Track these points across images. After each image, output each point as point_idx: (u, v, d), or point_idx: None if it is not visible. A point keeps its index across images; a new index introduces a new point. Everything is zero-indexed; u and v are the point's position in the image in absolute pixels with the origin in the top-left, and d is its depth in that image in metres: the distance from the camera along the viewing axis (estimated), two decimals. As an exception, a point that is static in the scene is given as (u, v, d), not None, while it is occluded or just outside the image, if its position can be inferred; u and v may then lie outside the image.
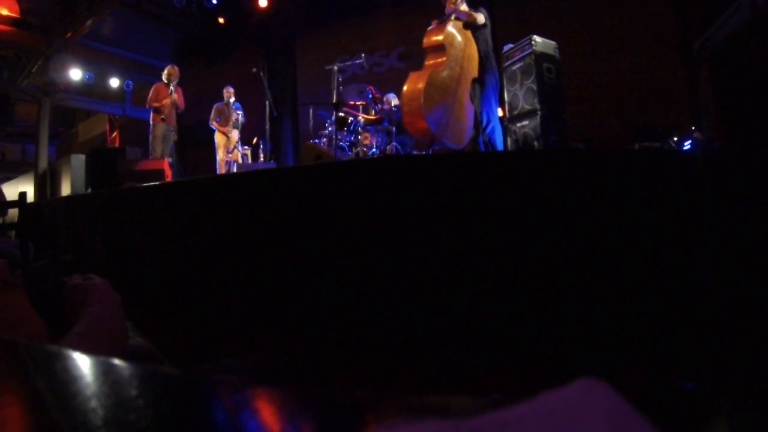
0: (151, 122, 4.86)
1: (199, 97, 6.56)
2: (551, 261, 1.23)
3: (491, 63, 3.36)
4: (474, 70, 3.37)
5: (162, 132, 4.82)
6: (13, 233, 2.74)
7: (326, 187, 1.58)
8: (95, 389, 0.21)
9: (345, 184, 1.55)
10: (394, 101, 4.27)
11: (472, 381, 1.21)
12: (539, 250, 1.25)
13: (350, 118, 4.12)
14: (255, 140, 5.59)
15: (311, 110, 4.77)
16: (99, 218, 2.53)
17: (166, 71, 4.89)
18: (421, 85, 3.13)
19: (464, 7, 3.31)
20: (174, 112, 4.88)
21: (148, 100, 4.86)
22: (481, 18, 3.28)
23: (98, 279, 0.66)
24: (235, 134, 5.25)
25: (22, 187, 3.90)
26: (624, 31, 4.63)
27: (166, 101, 4.76)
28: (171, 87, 4.78)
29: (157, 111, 4.80)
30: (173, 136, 4.95)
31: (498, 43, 3.79)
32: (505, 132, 3.49)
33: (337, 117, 4.01)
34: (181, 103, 4.91)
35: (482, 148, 3.26)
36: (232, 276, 1.80)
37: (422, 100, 3.08)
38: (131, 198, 2.38)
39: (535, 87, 3.10)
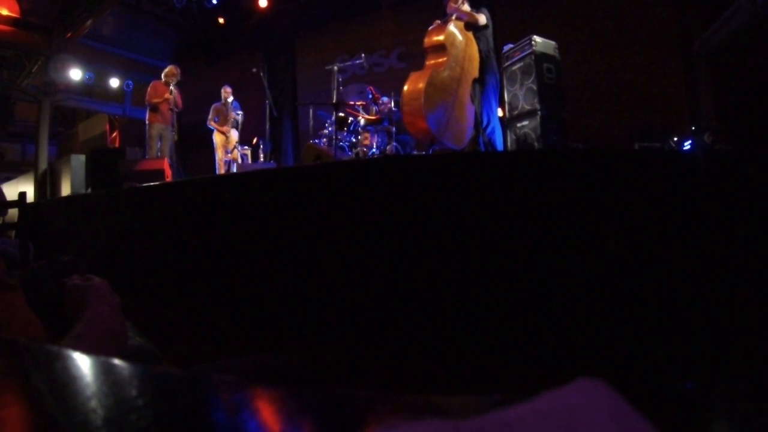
0: (147, 121, 4.91)
1: (199, 97, 6.55)
2: (551, 261, 1.23)
3: (492, 63, 3.36)
4: (474, 71, 3.37)
5: (158, 131, 4.86)
6: (13, 233, 2.74)
7: (326, 188, 1.58)
8: (95, 389, 0.21)
9: (345, 184, 1.55)
10: (391, 103, 4.27)
11: (472, 381, 1.21)
12: (539, 250, 1.25)
13: (350, 118, 4.12)
14: (255, 140, 5.59)
15: (311, 110, 4.77)
16: (99, 218, 2.53)
17: (167, 70, 4.92)
18: (421, 85, 3.13)
19: (466, 8, 3.31)
20: (170, 112, 4.90)
21: (147, 98, 4.92)
22: (482, 19, 3.28)
23: (98, 280, 0.65)
24: (233, 134, 5.24)
25: (22, 187, 3.89)
26: (624, 31, 4.63)
27: (168, 96, 4.78)
28: (171, 86, 4.80)
29: (155, 109, 4.84)
30: (173, 136, 4.96)
31: (498, 43, 3.78)
32: (505, 132, 3.49)
33: (337, 117, 4.01)
34: (179, 102, 4.94)
35: (482, 148, 3.26)
36: (231, 276, 1.80)
37: (423, 100, 3.09)
38: (131, 198, 2.38)
39: (535, 87, 3.10)
